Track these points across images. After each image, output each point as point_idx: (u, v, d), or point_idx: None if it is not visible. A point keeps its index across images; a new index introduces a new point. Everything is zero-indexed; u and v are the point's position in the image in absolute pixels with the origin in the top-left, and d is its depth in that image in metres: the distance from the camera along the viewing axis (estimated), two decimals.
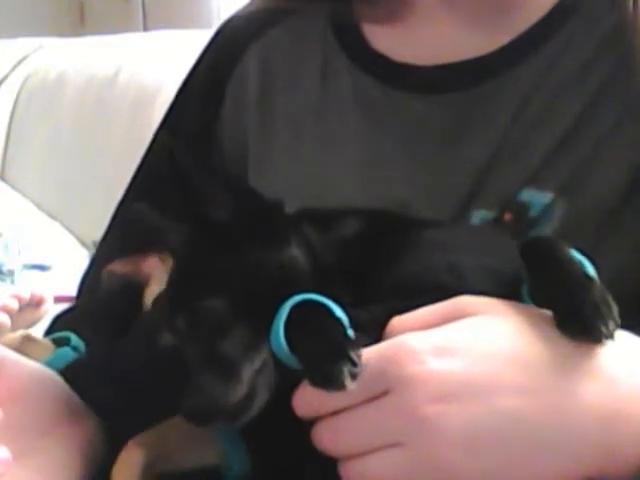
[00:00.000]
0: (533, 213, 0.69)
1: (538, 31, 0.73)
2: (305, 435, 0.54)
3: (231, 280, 0.56)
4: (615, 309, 0.52)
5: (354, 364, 0.51)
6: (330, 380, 0.50)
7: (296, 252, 0.57)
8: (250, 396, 0.53)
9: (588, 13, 0.72)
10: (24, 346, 0.72)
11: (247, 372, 0.53)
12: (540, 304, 0.55)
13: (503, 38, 0.74)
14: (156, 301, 0.66)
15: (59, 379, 0.64)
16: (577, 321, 0.52)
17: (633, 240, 0.68)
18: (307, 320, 0.53)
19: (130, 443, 0.60)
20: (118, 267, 0.77)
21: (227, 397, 0.52)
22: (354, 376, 0.50)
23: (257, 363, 0.53)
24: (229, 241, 0.57)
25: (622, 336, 0.55)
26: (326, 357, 0.51)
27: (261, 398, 0.53)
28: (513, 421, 0.52)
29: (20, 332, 0.75)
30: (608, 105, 0.70)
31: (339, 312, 0.53)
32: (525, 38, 0.73)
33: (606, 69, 0.70)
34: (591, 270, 0.54)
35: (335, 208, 0.64)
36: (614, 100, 0.70)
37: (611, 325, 0.51)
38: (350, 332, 0.53)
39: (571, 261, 0.55)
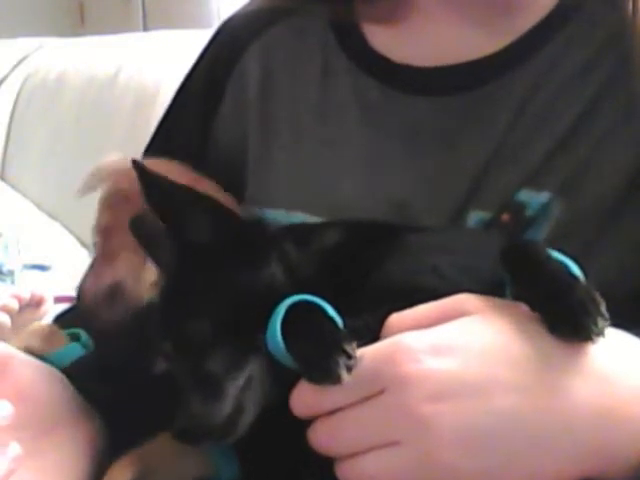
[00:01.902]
0: (530, 213, 0.69)
1: (539, 33, 0.73)
2: (299, 441, 0.54)
3: (213, 301, 0.56)
4: (603, 305, 0.52)
5: (349, 357, 0.51)
6: (326, 373, 0.51)
7: (275, 269, 0.57)
8: (237, 413, 0.53)
9: (588, 15, 0.72)
10: (50, 337, 0.73)
11: (231, 390, 0.53)
12: (530, 308, 0.54)
13: (504, 39, 0.74)
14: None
15: (65, 379, 0.65)
16: (566, 322, 0.52)
17: (632, 240, 0.68)
18: (302, 319, 0.54)
19: (115, 464, 0.60)
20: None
21: (212, 416, 0.52)
22: (349, 369, 0.51)
23: (241, 380, 0.54)
24: (210, 262, 0.57)
25: (619, 335, 0.55)
26: (321, 351, 0.51)
27: (249, 415, 0.54)
28: (509, 420, 0.52)
29: (47, 324, 0.77)
30: (608, 106, 0.70)
31: (332, 312, 0.54)
32: (526, 40, 0.73)
33: (606, 70, 0.70)
34: (576, 270, 0.54)
35: (317, 222, 0.64)
36: (614, 101, 0.70)
37: (600, 322, 0.51)
38: (343, 328, 0.53)
39: (553, 263, 0.55)
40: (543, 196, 0.69)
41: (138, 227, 0.63)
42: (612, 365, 0.54)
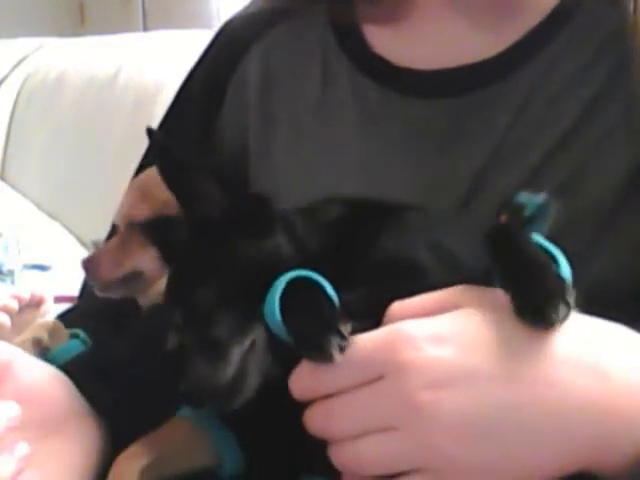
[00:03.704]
0: (528, 213, 0.69)
1: (539, 34, 0.73)
2: (301, 428, 0.55)
3: (220, 270, 0.57)
4: (570, 293, 0.52)
5: (343, 337, 0.52)
6: (319, 351, 0.52)
7: (280, 240, 0.58)
8: (240, 376, 0.54)
9: (588, 15, 0.72)
10: (55, 332, 0.77)
11: (235, 353, 0.54)
12: (503, 290, 0.55)
13: (504, 41, 0.74)
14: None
15: (67, 379, 0.65)
16: (530, 306, 0.52)
17: (632, 240, 0.68)
18: (300, 295, 0.54)
19: (121, 456, 0.61)
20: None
21: (216, 377, 0.53)
22: (342, 349, 0.52)
23: (245, 345, 0.54)
24: (217, 233, 0.59)
25: (620, 330, 0.56)
26: (316, 328, 0.52)
27: (253, 379, 0.54)
28: (507, 410, 0.52)
29: (53, 320, 0.81)
30: (608, 106, 0.70)
31: (330, 290, 0.55)
32: (527, 41, 0.73)
33: (606, 70, 0.70)
34: (563, 262, 0.54)
35: (321, 199, 0.65)
36: (614, 101, 0.70)
37: (561, 309, 0.51)
38: (340, 308, 0.54)
39: (531, 248, 0.55)
40: (541, 197, 0.69)
41: (153, 231, 0.64)
42: (611, 359, 0.54)
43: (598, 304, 0.53)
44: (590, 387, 0.53)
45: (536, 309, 0.52)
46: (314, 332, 0.52)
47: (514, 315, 0.53)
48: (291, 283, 0.55)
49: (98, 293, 0.80)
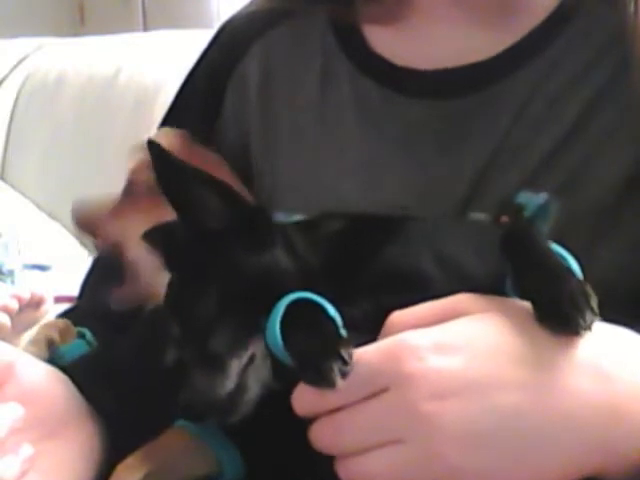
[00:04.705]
0: (528, 214, 0.69)
1: (540, 34, 0.73)
2: (303, 440, 0.54)
3: (218, 283, 0.57)
4: (594, 300, 0.51)
5: (344, 362, 0.51)
6: (320, 377, 0.51)
7: (280, 254, 0.58)
8: (239, 390, 0.54)
9: (589, 15, 0.72)
10: (65, 331, 0.76)
11: (234, 366, 0.54)
12: (522, 297, 0.54)
13: (505, 41, 0.74)
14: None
15: (67, 380, 0.65)
16: (554, 313, 0.52)
17: (631, 238, 0.68)
18: (302, 317, 0.54)
19: (122, 465, 0.61)
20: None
21: (215, 391, 0.53)
22: (344, 374, 0.51)
23: (244, 358, 0.54)
24: (216, 245, 0.58)
25: (622, 333, 0.56)
26: (317, 354, 0.52)
27: (252, 392, 0.54)
28: (513, 418, 0.52)
29: (63, 320, 0.80)
30: (608, 106, 0.70)
31: (333, 311, 0.54)
32: (528, 41, 0.73)
33: (606, 71, 0.70)
34: (574, 265, 0.54)
35: (321, 213, 0.64)
36: (614, 101, 0.70)
37: (588, 316, 0.51)
38: (343, 331, 0.53)
39: (549, 253, 0.55)
40: (541, 197, 0.69)
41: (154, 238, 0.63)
42: (615, 364, 0.54)
43: (598, 305, 0.53)
44: (593, 391, 0.53)
45: (562, 316, 0.51)
46: (315, 358, 0.52)
47: (534, 322, 0.53)
48: (292, 305, 0.54)
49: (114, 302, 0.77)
